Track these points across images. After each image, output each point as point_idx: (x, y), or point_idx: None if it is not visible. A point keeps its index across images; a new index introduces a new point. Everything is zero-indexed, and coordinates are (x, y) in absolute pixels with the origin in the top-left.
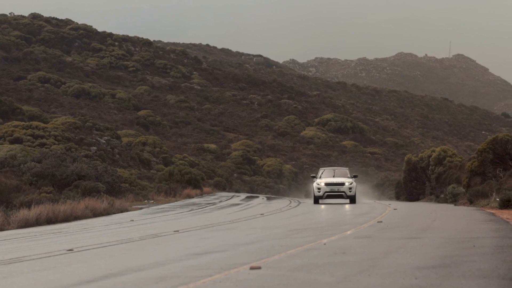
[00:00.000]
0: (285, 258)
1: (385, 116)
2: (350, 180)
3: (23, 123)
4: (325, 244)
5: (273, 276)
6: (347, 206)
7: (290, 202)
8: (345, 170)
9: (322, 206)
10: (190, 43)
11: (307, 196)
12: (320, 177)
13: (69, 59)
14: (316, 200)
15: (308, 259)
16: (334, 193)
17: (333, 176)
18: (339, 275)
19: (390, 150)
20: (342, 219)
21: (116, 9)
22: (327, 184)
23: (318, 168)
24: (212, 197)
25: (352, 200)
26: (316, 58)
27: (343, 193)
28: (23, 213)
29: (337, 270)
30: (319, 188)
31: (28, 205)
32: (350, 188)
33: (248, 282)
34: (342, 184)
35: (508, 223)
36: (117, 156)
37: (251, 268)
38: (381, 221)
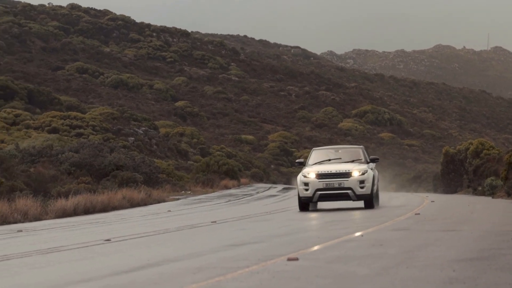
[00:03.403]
0: (322, 249)
1: (423, 108)
2: (363, 167)
3: (61, 113)
4: (362, 236)
5: (310, 268)
6: (382, 197)
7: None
8: (356, 149)
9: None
10: (228, 34)
11: None
12: (309, 164)
13: (107, 49)
14: (303, 205)
15: (345, 251)
16: (333, 192)
17: (332, 161)
18: (376, 267)
19: (427, 142)
20: (379, 211)
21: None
22: (320, 176)
23: None
24: (249, 188)
25: (368, 202)
26: (354, 50)
27: (348, 191)
28: (60, 203)
29: (375, 262)
30: (306, 184)
31: (66, 195)
32: (361, 182)
33: (285, 273)
34: (347, 174)
35: None
36: (154, 146)
37: (289, 260)
38: (419, 213)
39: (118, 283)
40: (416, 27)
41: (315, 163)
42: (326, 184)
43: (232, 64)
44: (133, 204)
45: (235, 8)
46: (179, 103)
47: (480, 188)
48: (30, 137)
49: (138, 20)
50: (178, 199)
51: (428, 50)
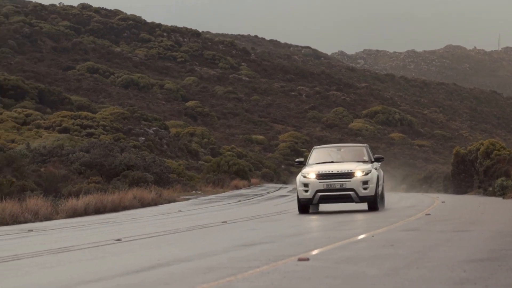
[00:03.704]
0: (333, 250)
1: (433, 108)
2: (367, 167)
3: (72, 113)
4: (373, 236)
5: (321, 268)
6: (391, 196)
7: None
8: (360, 148)
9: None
10: (239, 34)
11: None
12: (310, 164)
13: (117, 49)
14: (303, 207)
15: (356, 251)
16: (334, 194)
17: (333, 161)
18: (386, 267)
19: (438, 142)
20: (389, 212)
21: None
22: (320, 177)
23: None
24: (260, 188)
25: (372, 204)
26: (365, 50)
27: (350, 193)
28: (71, 203)
29: (385, 262)
30: (306, 185)
31: (77, 194)
32: (364, 183)
33: (296, 273)
34: (349, 174)
35: None
36: (165, 146)
37: (299, 260)
38: (429, 214)
39: (128, 283)
40: (427, 27)
41: (316, 163)
42: (327, 185)
43: (243, 64)
44: (143, 204)
45: (246, 8)
46: (189, 103)
47: (490, 189)
48: (40, 136)
49: (148, 20)
50: (188, 199)
51: (439, 50)
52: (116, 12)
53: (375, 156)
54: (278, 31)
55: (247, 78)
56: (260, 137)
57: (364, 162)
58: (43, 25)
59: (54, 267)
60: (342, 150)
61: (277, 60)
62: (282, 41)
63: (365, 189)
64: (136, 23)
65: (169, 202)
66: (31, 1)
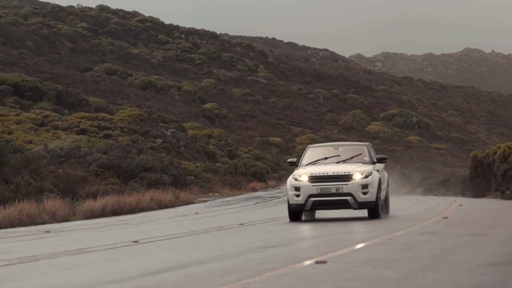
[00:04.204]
0: (351, 253)
1: (451, 111)
2: (367, 168)
3: (90, 114)
4: (390, 239)
5: (338, 271)
6: (408, 200)
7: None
8: (360, 147)
9: None
10: (256, 37)
11: None
12: (303, 165)
13: (135, 51)
14: (294, 215)
15: (374, 254)
16: (329, 199)
17: (329, 161)
18: (404, 270)
19: (455, 146)
20: (407, 215)
21: (182, 1)
22: (314, 179)
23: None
24: (277, 190)
25: (373, 211)
26: (383, 53)
27: (347, 198)
28: (88, 204)
29: (403, 265)
30: (297, 188)
31: (94, 196)
32: (364, 187)
33: (313, 276)
34: (347, 177)
35: None
36: (182, 148)
37: (317, 262)
38: (447, 217)
39: (146, 284)
40: (445, 30)
41: (309, 163)
42: (321, 189)
43: (260, 66)
44: (160, 205)
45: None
46: (207, 105)
47: (508, 192)
48: (58, 138)
49: (166, 22)
50: (205, 201)
51: (457, 53)
52: (134, 14)
53: (378, 156)
54: (296, 33)
55: (264, 81)
56: (277, 139)
57: (365, 163)
58: (61, 27)
59: (72, 268)
60: (340, 149)
61: (295, 63)
62: (300, 43)
63: (364, 193)
64: (154, 25)
65: (186, 204)
66: (49, 3)
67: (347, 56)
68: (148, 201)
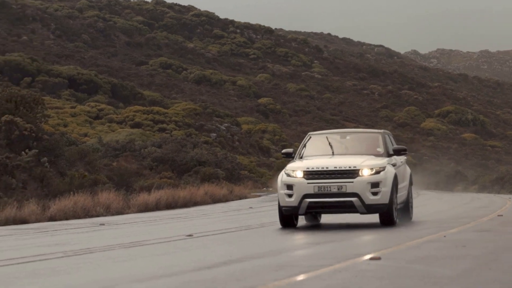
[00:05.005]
0: (405, 249)
1: (506, 109)
2: (380, 162)
3: (144, 108)
4: (444, 236)
5: (392, 268)
6: (462, 197)
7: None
8: (374, 135)
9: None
10: (312, 32)
11: (427, 187)
12: (301, 156)
13: (190, 45)
14: (285, 219)
15: (428, 251)
16: (328, 200)
17: (333, 153)
18: (459, 268)
19: (511, 143)
20: (461, 212)
21: None
22: (310, 175)
23: (435, 160)
24: None
25: (385, 216)
26: (438, 49)
27: (352, 199)
28: (143, 197)
29: (457, 263)
30: (289, 187)
31: (148, 189)
32: (374, 185)
33: (367, 272)
34: (352, 172)
35: None
36: (236, 143)
37: (371, 259)
38: (501, 215)
39: (200, 278)
40: (500, 26)
41: (309, 156)
42: (318, 187)
43: (315, 61)
44: (214, 200)
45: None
46: (261, 100)
47: None
48: (113, 131)
49: (222, 17)
50: (259, 195)
51: None
52: (190, 8)
53: (395, 147)
54: (351, 29)
55: (319, 76)
56: None
57: (378, 155)
58: (117, 20)
59: (126, 261)
60: (348, 137)
61: (350, 58)
62: (355, 39)
63: (374, 194)
64: (209, 19)
65: (240, 198)
66: None
67: (402, 52)
68: (202, 195)
